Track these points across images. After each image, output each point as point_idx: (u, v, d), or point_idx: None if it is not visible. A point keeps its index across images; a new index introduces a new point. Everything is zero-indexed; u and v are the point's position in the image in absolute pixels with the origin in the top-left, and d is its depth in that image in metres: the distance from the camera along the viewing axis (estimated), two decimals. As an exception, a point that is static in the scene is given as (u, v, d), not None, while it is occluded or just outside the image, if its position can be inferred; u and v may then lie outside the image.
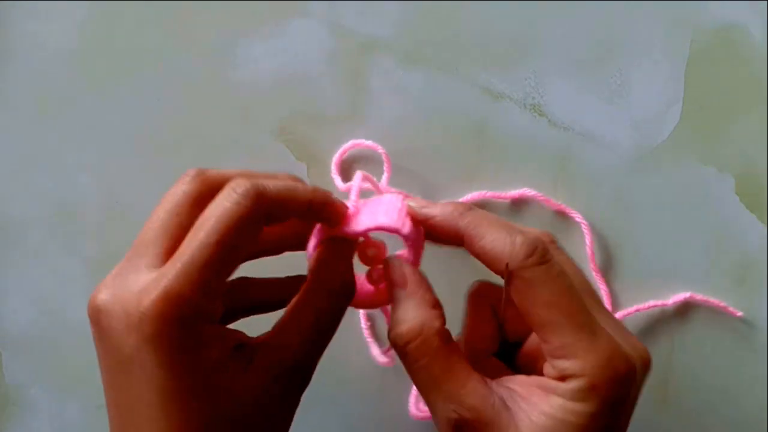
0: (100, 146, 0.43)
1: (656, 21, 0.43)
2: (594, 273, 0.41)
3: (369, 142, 0.42)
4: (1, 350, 0.42)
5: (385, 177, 0.41)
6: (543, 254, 0.28)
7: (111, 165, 0.43)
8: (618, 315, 0.41)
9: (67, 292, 0.42)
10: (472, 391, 0.28)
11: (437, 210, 0.31)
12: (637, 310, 0.41)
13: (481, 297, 0.32)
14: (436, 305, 0.30)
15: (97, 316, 0.28)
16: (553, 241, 0.31)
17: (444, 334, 0.29)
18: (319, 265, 0.31)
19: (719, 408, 0.41)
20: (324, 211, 0.30)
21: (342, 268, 0.31)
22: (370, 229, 0.31)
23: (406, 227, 0.31)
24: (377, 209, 0.31)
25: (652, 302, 0.41)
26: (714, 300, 0.41)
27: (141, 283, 0.27)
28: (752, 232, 0.42)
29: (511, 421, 0.27)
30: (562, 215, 0.42)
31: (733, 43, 0.43)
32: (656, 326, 0.42)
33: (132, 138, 0.43)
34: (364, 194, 0.33)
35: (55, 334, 0.42)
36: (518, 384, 0.29)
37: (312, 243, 0.31)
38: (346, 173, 0.42)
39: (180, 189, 0.29)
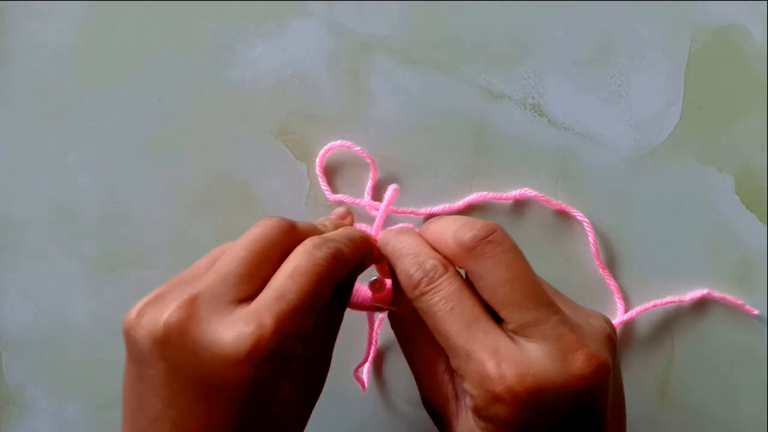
0: (100, 146, 0.43)
1: (656, 21, 0.43)
2: (601, 270, 0.41)
3: (357, 148, 0.42)
4: (1, 350, 0.42)
5: (369, 184, 0.42)
6: (502, 235, 0.29)
7: (111, 165, 0.43)
8: (634, 311, 0.41)
9: (67, 292, 0.42)
10: (495, 333, 0.28)
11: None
12: (655, 306, 0.41)
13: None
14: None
15: (179, 337, 0.27)
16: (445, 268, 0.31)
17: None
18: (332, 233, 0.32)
19: (719, 408, 0.41)
20: (380, 258, 0.33)
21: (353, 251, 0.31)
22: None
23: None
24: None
25: (670, 298, 0.41)
26: (731, 297, 0.41)
27: (240, 317, 0.27)
28: (752, 232, 0.42)
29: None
30: (563, 215, 0.42)
31: (733, 43, 0.43)
32: (669, 322, 0.42)
33: (132, 138, 0.43)
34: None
35: (55, 334, 0.42)
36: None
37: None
38: (333, 173, 0.42)
39: (270, 236, 0.30)
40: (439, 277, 0.29)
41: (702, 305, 0.42)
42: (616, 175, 0.42)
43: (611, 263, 0.42)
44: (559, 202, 0.42)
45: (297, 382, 0.30)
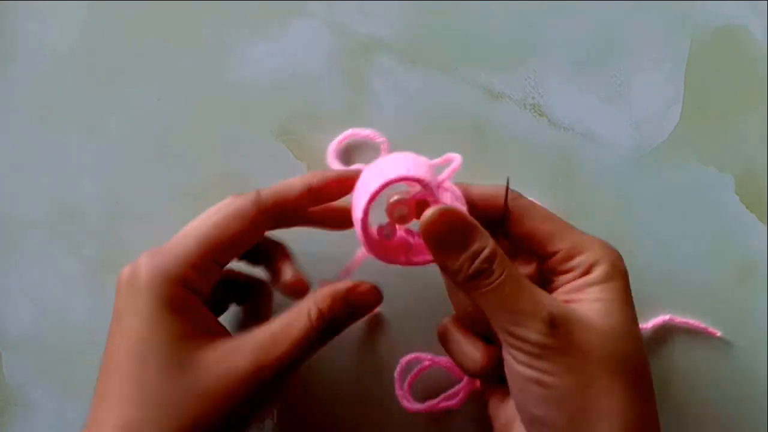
0: (100, 146, 0.43)
1: (656, 21, 0.43)
2: None
3: (368, 131, 0.41)
4: (1, 350, 0.42)
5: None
6: (520, 194, 0.34)
7: (111, 165, 0.43)
8: None
9: (68, 293, 0.42)
10: (549, 297, 0.31)
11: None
12: None
13: (449, 334, 0.35)
14: None
15: (127, 278, 0.32)
16: None
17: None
18: (318, 294, 0.33)
19: (719, 408, 0.41)
20: (326, 187, 0.34)
21: (340, 314, 0.33)
22: (395, 181, 0.31)
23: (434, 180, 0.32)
24: (399, 164, 0.32)
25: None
26: (693, 321, 0.41)
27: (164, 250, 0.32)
28: (752, 232, 0.42)
29: (584, 316, 0.31)
30: None
31: (733, 43, 0.43)
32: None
33: (132, 138, 0.43)
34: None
35: (55, 334, 0.42)
36: (559, 295, 0.32)
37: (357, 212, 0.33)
38: (345, 163, 0.42)
39: (236, 202, 0.34)
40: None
41: (664, 331, 0.41)
42: (616, 175, 0.42)
43: None
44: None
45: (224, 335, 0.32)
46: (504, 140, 0.43)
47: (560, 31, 0.43)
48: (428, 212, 0.30)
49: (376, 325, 0.41)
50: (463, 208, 0.32)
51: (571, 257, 0.32)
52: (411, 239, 0.34)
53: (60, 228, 0.43)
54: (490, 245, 0.30)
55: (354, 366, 0.41)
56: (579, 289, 0.32)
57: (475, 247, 0.30)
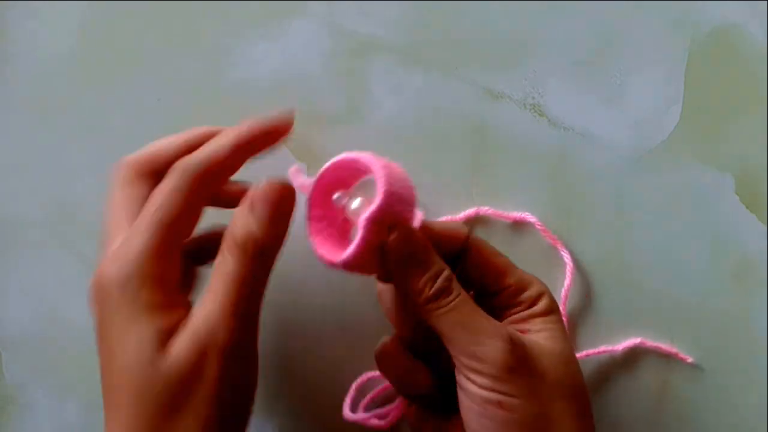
0: (100, 146, 0.43)
1: (656, 21, 0.43)
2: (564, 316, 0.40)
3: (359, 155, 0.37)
4: (1, 350, 0.42)
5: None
6: (471, 229, 0.35)
7: (111, 165, 0.43)
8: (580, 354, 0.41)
9: (67, 293, 0.42)
10: (502, 325, 0.32)
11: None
12: (588, 355, 0.41)
13: (388, 355, 0.35)
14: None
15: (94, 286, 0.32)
16: None
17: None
18: (231, 225, 0.32)
19: (719, 408, 0.41)
20: (259, 139, 0.33)
21: (264, 228, 0.31)
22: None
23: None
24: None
25: (603, 347, 0.41)
26: (664, 346, 0.41)
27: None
28: (752, 232, 0.42)
29: (534, 342, 0.32)
30: (553, 250, 0.42)
31: (733, 43, 0.43)
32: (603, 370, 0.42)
33: (132, 138, 0.43)
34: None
35: (55, 334, 0.42)
36: (509, 324, 0.33)
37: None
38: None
39: (112, 182, 0.34)
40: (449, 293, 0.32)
41: (634, 355, 0.41)
42: (616, 175, 0.42)
43: (609, 274, 0.42)
44: (555, 237, 0.41)
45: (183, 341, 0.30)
46: (504, 140, 0.43)
47: (560, 31, 0.43)
48: (397, 232, 0.31)
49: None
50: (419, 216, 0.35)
51: (519, 291, 0.34)
52: (347, 234, 0.34)
53: (60, 228, 0.43)
54: (447, 268, 0.32)
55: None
56: (525, 320, 0.33)
57: (436, 267, 0.31)
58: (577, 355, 0.41)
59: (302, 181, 0.33)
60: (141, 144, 0.43)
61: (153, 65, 0.43)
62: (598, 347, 0.41)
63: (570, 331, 0.41)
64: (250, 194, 0.31)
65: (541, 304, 0.33)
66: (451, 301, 0.31)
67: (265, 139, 0.34)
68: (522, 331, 0.33)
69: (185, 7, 0.44)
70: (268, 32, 0.43)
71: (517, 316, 0.33)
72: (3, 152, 0.43)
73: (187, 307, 0.31)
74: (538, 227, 0.41)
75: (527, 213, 0.42)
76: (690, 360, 0.41)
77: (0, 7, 0.44)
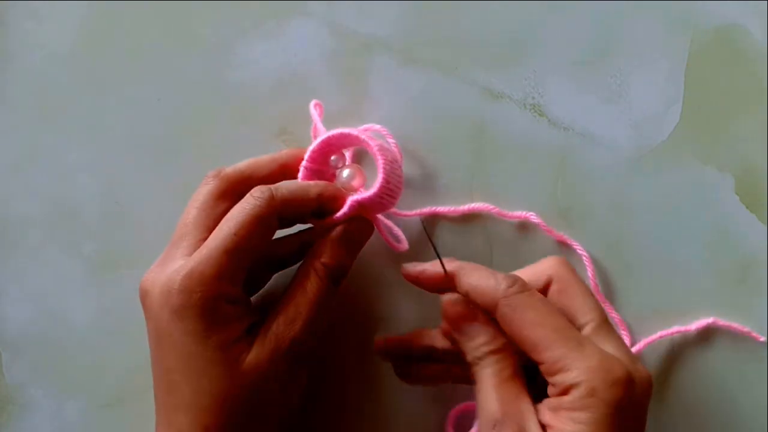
0: (100, 146, 0.43)
1: (656, 21, 0.43)
2: (601, 303, 0.40)
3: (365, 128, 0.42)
4: (1, 350, 0.42)
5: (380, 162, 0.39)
6: (523, 284, 0.32)
7: (111, 165, 0.43)
8: (641, 344, 0.41)
9: (67, 292, 0.42)
10: (523, 407, 0.31)
11: (427, 264, 0.35)
12: (661, 337, 0.41)
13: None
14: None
15: (143, 299, 0.33)
16: (528, 284, 0.34)
17: (515, 357, 0.32)
18: (316, 251, 0.35)
19: (719, 408, 0.41)
20: (335, 203, 0.36)
21: (333, 251, 0.35)
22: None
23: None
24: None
25: (676, 327, 0.41)
26: (737, 325, 0.41)
27: (175, 267, 0.32)
28: (752, 232, 0.42)
29: None
30: (563, 246, 0.42)
31: (733, 43, 0.43)
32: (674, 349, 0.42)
33: (132, 138, 0.43)
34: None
35: (55, 334, 0.42)
36: (539, 412, 0.31)
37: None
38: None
39: (204, 189, 0.35)
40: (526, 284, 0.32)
41: (708, 333, 0.41)
42: (616, 175, 0.42)
43: (611, 275, 0.42)
44: (561, 234, 0.41)
45: (251, 341, 0.33)
46: (504, 140, 0.43)
47: (560, 31, 0.43)
48: (447, 297, 0.34)
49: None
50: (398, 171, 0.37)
51: (552, 373, 0.30)
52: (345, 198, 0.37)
53: (60, 228, 0.43)
54: (484, 337, 0.33)
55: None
56: (555, 410, 0.30)
57: (472, 339, 0.33)
58: (651, 338, 0.40)
59: (317, 127, 0.38)
60: (141, 144, 0.43)
61: (153, 65, 0.43)
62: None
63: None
64: (343, 229, 0.35)
65: (572, 396, 0.29)
66: (484, 369, 0.32)
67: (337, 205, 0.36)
68: (549, 426, 0.30)
69: (185, 7, 0.44)
70: (268, 32, 0.43)
71: (550, 401, 0.30)
72: (3, 152, 0.43)
73: (255, 315, 0.34)
74: (543, 227, 0.41)
75: (531, 213, 0.41)
76: (762, 339, 0.41)
77: (0, 7, 0.44)
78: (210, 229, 0.34)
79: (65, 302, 0.42)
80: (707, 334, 0.41)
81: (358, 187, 0.37)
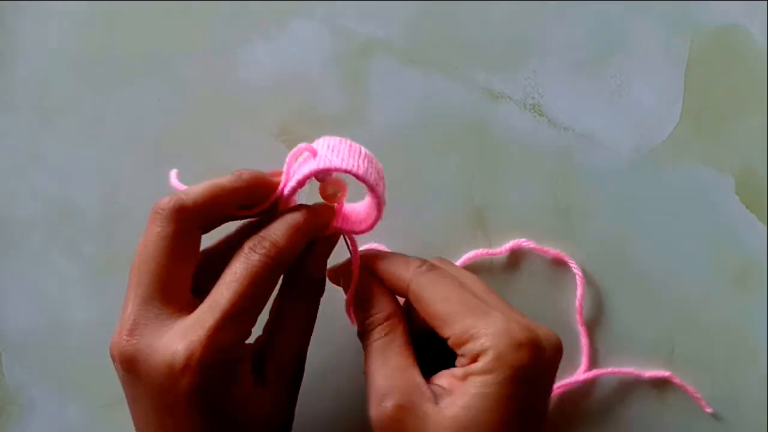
0: (100, 146, 0.43)
1: (656, 21, 0.43)
2: (579, 326, 0.41)
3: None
4: (1, 350, 0.42)
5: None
6: (431, 265, 0.33)
7: (111, 165, 0.43)
8: (591, 373, 0.41)
9: (68, 293, 0.42)
10: (411, 378, 0.31)
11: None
12: (613, 373, 0.41)
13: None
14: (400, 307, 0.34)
15: (131, 363, 0.29)
16: (447, 261, 0.36)
17: (407, 328, 0.33)
18: (296, 269, 0.33)
19: (719, 408, 0.41)
20: (323, 229, 0.34)
21: (321, 266, 0.34)
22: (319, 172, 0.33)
23: (361, 169, 0.32)
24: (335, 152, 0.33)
25: (630, 368, 0.41)
26: (691, 388, 0.41)
27: (177, 332, 0.29)
28: (752, 232, 0.42)
29: (439, 412, 0.30)
30: (559, 262, 0.42)
31: (733, 43, 0.43)
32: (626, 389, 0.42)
33: (132, 138, 0.43)
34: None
35: (55, 334, 0.42)
36: (443, 379, 0.31)
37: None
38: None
39: (164, 232, 0.31)
40: (441, 262, 0.34)
41: (660, 384, 0.41)
42: (616, 175, 0.42)
43: (602, 288, 0.42)
44: (557, 251, 0.41)
45: (259, 378, 0.32)
46: (504, 140, 0.43)
47: (560, 31, 0.43)
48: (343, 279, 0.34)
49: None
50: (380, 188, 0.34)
51: (461, 343, 0.31)
52: (343, 211, 0.35)
53: (60, 228, 0.43)
54: (379, 311, 0.33)
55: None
56: (460, 377, 0.30)
57: (366, 310, 0.33)
58: (602, 371, 0.40)
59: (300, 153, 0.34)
60: (141, 144, 0.43)
61: (153, 65, 0.43)
62: (619, 363, 0.41)
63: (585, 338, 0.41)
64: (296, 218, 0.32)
65: (481, 362, 0.30)
66: (371, 342, 0.32)
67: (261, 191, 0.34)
68: (453, 388, 0.30)
69: (185, 8, 0.44)
70: (269, 32, 0.43)
71: (457, 369, 0.31)
72: (4, 153, 0.43)
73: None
74: (536, 249, 0.41)
75: (523, 239, 0.41)
76: (710, 410, 0.41)
77: (1, 8, 0.44)
78: (181, 278, 0.31)
79: (65, 302, 0.42)
80: (660, 385, 0.41)
81: (340, 200, 0.35)
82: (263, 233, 0.31)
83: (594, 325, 0.41)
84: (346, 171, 0.32)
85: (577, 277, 0.41)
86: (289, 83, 0.43)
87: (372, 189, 0.33)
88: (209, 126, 0.43)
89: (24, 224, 0.43)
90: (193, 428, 0.29)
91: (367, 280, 0.34)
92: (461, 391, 0.30)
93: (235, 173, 0.33)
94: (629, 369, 0.41)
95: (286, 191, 0.33)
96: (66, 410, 0.42)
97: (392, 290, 0.34)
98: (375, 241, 0.41)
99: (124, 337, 0.30)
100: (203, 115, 0.43)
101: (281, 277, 0.32)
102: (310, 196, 0.35)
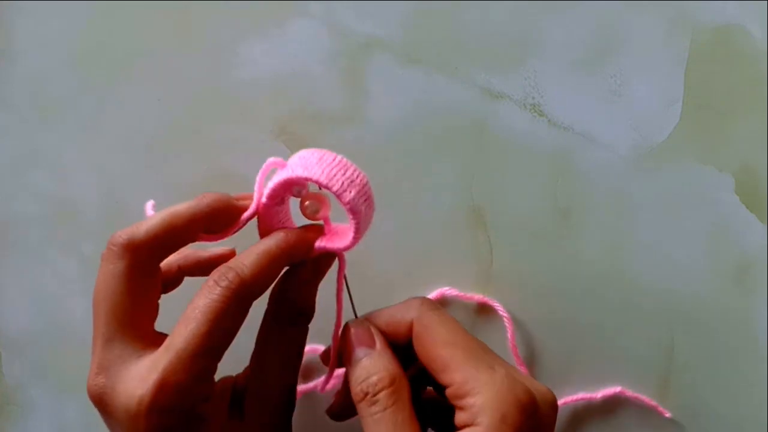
0: (100, 146, 0.43)
1: (656, 21, 0.43)
2: (517, 365, 0.41)
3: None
4: (0, 350, 0.42)
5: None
6: (433, 303, 0.32)
7: (111, 165, 0.43)
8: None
9: (67, 292, 0.42)
10: None
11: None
12: (566, 402, 0.41)
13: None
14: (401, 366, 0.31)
15: (100, 405, 0.29)
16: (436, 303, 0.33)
17: (410, 391, 0.30)
18: (279, 296, 0.31)
19: (719, 408, 0.41)
20: (301, 253, 0.31)
21: (305, 293, 0.32)
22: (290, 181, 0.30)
23: (323, 176, 0.30)
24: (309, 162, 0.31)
25: (581, 394, 0.41)
26: (645, 398, 0.41)
27: (135, 375, 0.28)
28: (752, 232, 0.42)
29: None
30: (485, 308, 0.42)
31: (733, 43, 0.43)
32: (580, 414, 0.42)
33: (131, 137, 0.43)
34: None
35: (54, 334, 0.42)
36: None
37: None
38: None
39: (117, 269, 0.30)
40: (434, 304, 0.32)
41: (614, 403, 0.41)
42: (616, 175, 0.42)
43: (533, 334, 0.41)
44: (481, 296, 0.41)
45: (237, 414, 0.30)
46: (504, 140, 0.43)
47: (560, 31, 0.43)
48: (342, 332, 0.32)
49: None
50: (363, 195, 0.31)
51: (461, 396, 0.29)
52: (326, 227, 0.33)
53: (59, 227, 0.43)
54: (386, 373, 0.30)
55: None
56: None
57: (369, 374, 0.30)
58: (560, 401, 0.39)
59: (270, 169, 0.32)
60: (141, 144, 0.43)
61: (153, 65, 0.43)
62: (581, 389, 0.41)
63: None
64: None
65: (481, 425, 0.28)
66: (376, 413, 0.29)
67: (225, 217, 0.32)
68: None
69: (185, 8, 0.44)
70: (268, 32, 0.43)
71: None
72: (3, 152, 0.43)
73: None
74: (460, 296, 0.41)
75: (446, 287, 0.41)
76: (668, 415, 0.41)
77: (0, 7, 0.44)
78: (140, 314, 0.30)
79: (65, 302, 0.42)
80: (614, 403, 0.41)
81: (324, 216, 0.32)
82: (230, 263, 0.29)
83: (530, 364, 0.41)
84: (306, 179, 0.30)
85: (505, 319, 0.41)
86: (288, 82, 0.43)
87: (337, 196, 0.30)
88: (208, 125, 0.43)
89: (23, 223, 0.43)
90: None
91: (365, 328, 0.31)
92: None
93: (198, 197, 0.31)
94: (580, 395, 0.41)
95: (260, 209, 0.31)
96: (65, 410, 0.42)
97: (391, 335, 0.31)
98: (371, 241, 0.39)
99: (92, 377, 0.29)
100: (202, 114, 0.43)
101: (250, 308, 0.30)
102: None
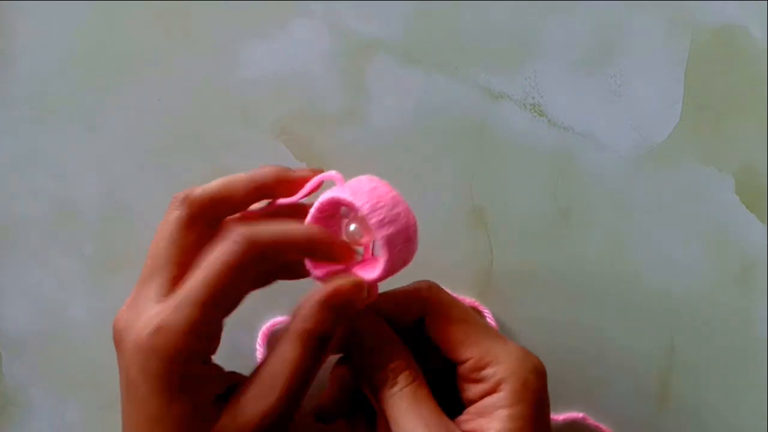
0: (100, 146, 0.43)
1: (656, 21, 0.43)
2: None
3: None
4: (0, 350, 0.42)
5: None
6: (440, 288, 0.33)
7: (111, 165, 0.43)
8: None
9: (67, 293, 0.42)
10: (447, 423, 0.30)
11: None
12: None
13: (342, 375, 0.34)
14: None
15: (116, 343, 0.30)
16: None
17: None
18: (299, 316, 0.31)
19: (719, 408, 0.41)
20: (322, 251, 0.31)
21: (328, 323, 0.30)
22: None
23: (366, 206, 0.30)
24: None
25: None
26: (606, 429, 0.40)
27: (148, 313, 0.29)
28: (752, 232, 0.42)
29: None
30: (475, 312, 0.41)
31: (733, 43, 0.43)
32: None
33: (132, 138, 0.43)
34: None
35: (55, 334, 0.42)
36: (470, 423, 0.30)
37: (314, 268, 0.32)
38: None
39: (172, 217, 0.31)
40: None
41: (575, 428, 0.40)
42: (616, 175, 0.42)
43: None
44: (471, 299, 0.41)
45: (235, 419, 0.30)
46: (504, 140, 0.43)
47: (560, 31, 0.43)
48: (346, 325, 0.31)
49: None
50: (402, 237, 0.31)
51: (480, 368, 0.30)
52: (365, 254, 0.33)
53: (60, 228, 0.43)
54: (395, 358, 0.31)
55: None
56: (488, 412, 0.29)
57: (382, 358, 0.31)
58: None
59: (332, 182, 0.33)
60: (141, 144, 0.43)
61: (153, 65, 0.43)
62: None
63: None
64: (327, 290, 0.30)
65: (504, 391, 0.29)
66: (397, 391, 0.30)
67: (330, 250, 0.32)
68: (483, 430, 0.29)
69: (185, 8, 0.44)
70: (268, 32, 0.43)
71: (480, 404, 0.30)
72: (3, 152, 0.43)
73: (231, 378, 0.31)
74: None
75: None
76: None
77: (0, 7, 0.44)
78: (182, 264, 0.30)
79: (65, 302, 0.42)
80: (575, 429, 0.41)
81: (366, 243, 0.32)
82: (258, 224, 0.30)
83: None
84: (350, 204, 0.31)
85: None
86: (288, 83, 0.43)
87: (374, 229, 0.30)
88: (209, 126, 0.43)
89: (23, 223, 0.43)
90: (140, 412, 0.29)
91: (378, 323, 0.32)
92: (488, 427, 0.29)
93: (259, 168, 0.33)
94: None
95: (308, 220, 0.32)
96: (66, 410, 0.42)
97: (398, 316, 0.32)
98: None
99: (121, 311, 0.30)
100: (203, 115, 0.43)
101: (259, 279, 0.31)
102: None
